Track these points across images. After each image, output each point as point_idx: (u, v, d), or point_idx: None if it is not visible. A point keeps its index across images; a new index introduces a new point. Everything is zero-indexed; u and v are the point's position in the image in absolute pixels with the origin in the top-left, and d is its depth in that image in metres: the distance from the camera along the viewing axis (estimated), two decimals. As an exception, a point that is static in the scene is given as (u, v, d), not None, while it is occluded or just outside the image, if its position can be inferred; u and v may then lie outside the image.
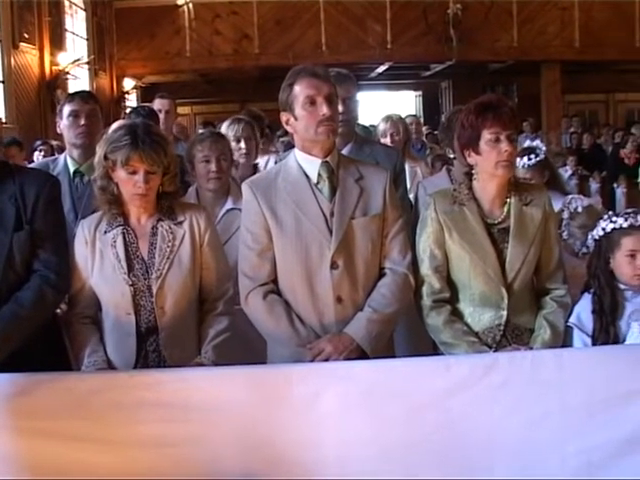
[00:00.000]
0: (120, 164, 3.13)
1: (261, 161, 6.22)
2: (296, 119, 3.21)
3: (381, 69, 17.66)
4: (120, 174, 3.16)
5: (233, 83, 18.19)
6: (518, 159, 4.38)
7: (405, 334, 3.59)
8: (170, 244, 3.24)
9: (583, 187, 12.46)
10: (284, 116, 3.24)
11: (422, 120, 15.53)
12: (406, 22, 15.33)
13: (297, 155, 3.29)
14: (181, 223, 3.29)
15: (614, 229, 3.38)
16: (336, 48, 15.24)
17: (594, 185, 12.39)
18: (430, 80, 20.57)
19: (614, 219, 3.39)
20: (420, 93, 22.39)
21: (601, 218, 3.57)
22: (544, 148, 4.61)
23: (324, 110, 3.14)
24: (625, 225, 3.36)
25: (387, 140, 5.77)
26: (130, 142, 3.13)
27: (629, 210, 3.48)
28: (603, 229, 3.42)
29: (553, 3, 16.09)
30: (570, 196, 4.17)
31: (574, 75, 18.03)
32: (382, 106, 19.76)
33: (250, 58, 15.37)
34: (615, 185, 11.69)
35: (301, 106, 3.17)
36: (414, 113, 16.22)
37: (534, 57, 16.18)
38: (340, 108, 3.70)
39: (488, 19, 15.42)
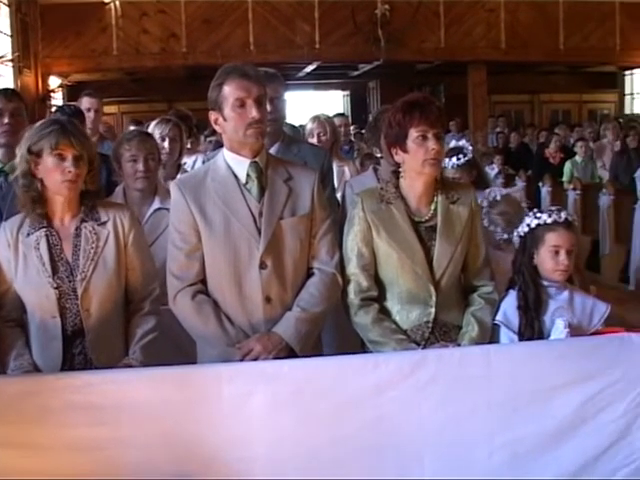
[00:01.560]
0: (49, 150, 3.08)
1: (188, 161, 6.21)
2: (225, 119, 3.20)
3: (309, 69, 17.65)
4: (47, 163, 3.11)
5: (160, 82, 18.01)
6: (447, 159, 4.44)
7: (333, 333, 3.61)
8: (94, 245, 3.20)
9: (509, 185, 12.63)
10: (213, 115, 3.23)
11: (350, 120, 15.60)
12: (334, 22, 15.34)
13: (226, 155, 3.29)
14: (105, 223, 3.25)
15: (538, 225, 3.45)
16: (264, 47, 15.17)
17: (520, 183, 12.55)
18: (358, 80, 20.64)
19: (538, 215, 3.46)
20: (348, 93, 22.45)
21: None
22: (471, 148, 4.66)
23: (253, 113, 3.14)
24: (549, 221, 3.43)
25: (314, 140, 5.78)
26: (58, 128, 3.12)
27: (553, 207, 3.55)
28: (528, 225, 3.48)
29: (480, 5, 16.26)
30: (489, 188, 4.24)
31: (500, 76, 18.29)
32: (310, 106, 19.82)
33: (178, 57, 15.20)
34: (540, 184, 11.88)
35: (230, 107, 3.17)
36: (342, 112, 16.24)
37: (461, 58, 16.33)
38: (268, 107, 3.70)
39: (416, 20, 15.51)
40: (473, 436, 2.96)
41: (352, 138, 10.10)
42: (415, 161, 3.29)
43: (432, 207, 3.39)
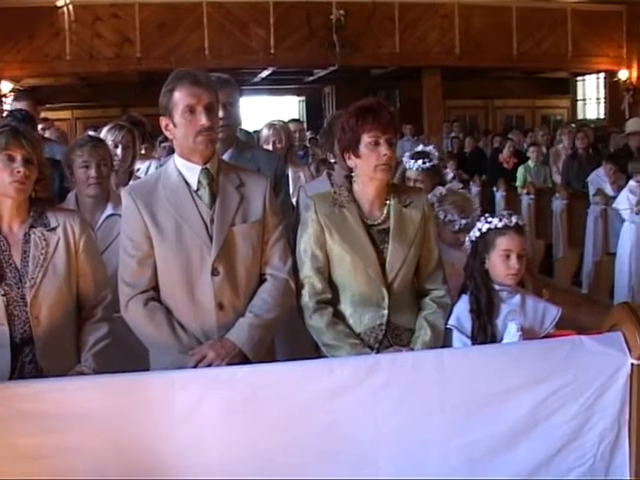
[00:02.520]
0: None
1: (142, 167, 6.17)
2: (175, 126, 3.19)
3: (264, 74, 17.63)
4: None
5: (115, 87, 17.89)
6: (412, 161, 4.47)
7: (286, 338, 3.61)
8: (44, 251, 3.16)
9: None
10: (164, 121, 3.22)
11: (305, 125, 15.61)
12: (289, 27, 15.35)
13: (177, 161, 3.27)
14: (54, 229, 3.21)
15: (489, 229, 3.48)
16: (219, 52, 15.13)
17: (474, 188, 12.67)
18: (313, 85, 20.68)
19: (489, 220, 3.49)
20: (303, 98, 22.48)
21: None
22: (437, 154, 4.70)
23: (203, 120, 3.13)
24: (500, 225, 3.45)
25: (270, 147, 5.77)
26: (9, 130, 3.10)
27: (504, 211, 3.58)
28: (479, 229, 3.51)
29: (434, 10, 16.39)
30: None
31: (455, 81, 18.45)
32: (266, 111, 19.81)
33: (132, 62, 15.10)
34: (494, 188, 11.99)
35: (180, 114, 3.15)
36: (298, 118, 16.26)
37: (416, 63, 16.45)
38: (220, 113, 3.69)
39: (371, 25, 15.58)
40: (427, 440, 2.97)
41: (307, 144, 10.11)
42: (367, 166, 3.30)
43: (385, 210, 3.41)
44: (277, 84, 20.50)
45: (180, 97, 3.15)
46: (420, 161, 4.51)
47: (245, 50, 15.36)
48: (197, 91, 3.15)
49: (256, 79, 18.57)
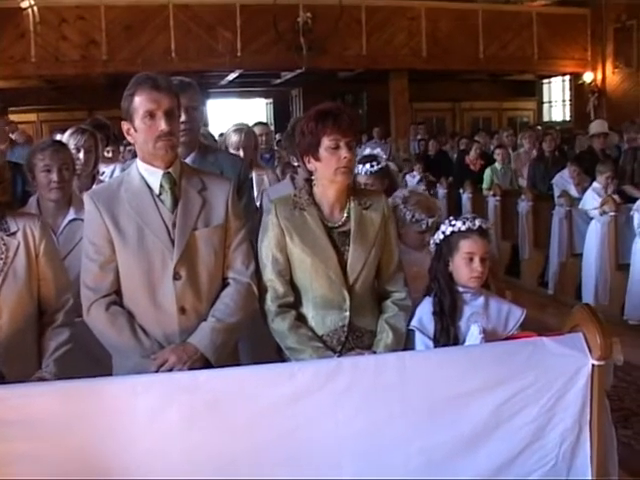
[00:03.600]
0: None
1: (107, 170, 6.14)
2: (136, 130, 3.18)
3: (232, 77, 17.65)
4: None
5: (81, 90, 17.79)
6: (360, 165, 4.47)
7: (250, 342, 3.60)
8: (3, 256, 3.13)
9: (431, 192, 12.80)
10: (125, 125, 3.21)
11: (273, 127, 15.61)
12: (256, 30, 15.37)
13: (139, 165, 3.26)
14: (14, 234, 3.18)
15: (453, 232, 3.49)
16: (185, 55, 15.12)
17: (441, 190, 12.74)
18: (281, 88, 20.72)
19: (453, 223, 3.50)
20: (271, 101, 22.50)
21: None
22: (385, 156, 4.71)
23: (163, 126, 3.12)
24: (463, 228, 3.47)
25: (239, 152, 5.73)
26: None
27: (468, 215, 3.60)
28: (443, 232, 3.52)
29: (401, 13, 16.49)
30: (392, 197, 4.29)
31: (422, 83, 18.54)
32: (234, 113, 19.79)
33: (98, 64, 15.04)
34: (461, 190, 12.04)
35: (140, 119, 3.14)
36: (265, 121, 16.23)
37: (383, 65, 16.53)
38: (183, 117, 3.68)
39: (338, 28, 15.63)
40: (390, 443, 2.97)
41: (275, 146, 10.09)
42: (327, 169, 3.32)
43: (345, 213, 3.42)
44: (244, 87, 20.52)
45: (140, 102, 3.14)
46: (368, 165, 4.51)
47: (212, 53, 15.36)
48: (157, 96, 3.14)
49: (223, 82, 18.58)
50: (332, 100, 19.65)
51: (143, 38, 15.03)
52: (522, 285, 10.46)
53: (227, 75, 17.62)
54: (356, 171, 4.47)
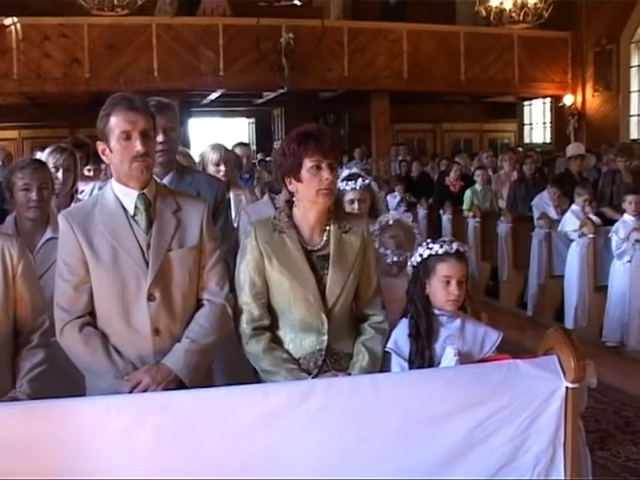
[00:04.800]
0: None
1: (86, 189, 6.13)
2: (111, 151, 3.18)
3: (214, 96, 17.66)
4: None
5: (63, 107, 17.75)
6: (351, 182, 4.48)
7: (225, 363, 3.60)
8: None
9: (411, 213, 12.80)
10: (100, 145, 3.21)
11: (255, 147, 15.64)
12: (239, 50, 15.41)
13: (114, 186, 3.26)
14: None
15: (430, 255, 3.49)
16: (168, 74, 15.12)
17: (422, 211, 12.78)
18: (263, 108, 20.75)
19: (430, 246, 3.51)
20: (253, 120, 22.54)
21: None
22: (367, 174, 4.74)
23: (138, 147, 3.12)
24: (440, 252, 3.47)
25: (218, 169, 5.74)
26: None
27: (446, 238, 3.61)
28: (420, 255, 3.53)
29: (383, 35, 16.57)
30: (384, 214, 4.29)
31: (403, 105, 18.62)
32: (216, 133, 19.82)
33: (80, 82, 15.00)
34: (441, 211, 12.08)
35: (116, 139, 3.14)
36: (246, 141, 16.24)
37: (364, 86, 16.59)
38: (160, 137, 3.68)
39: (319, 49, 15.69)
40: (363, 465, 2.96)
41: (257, 166, 10.10)
42: (309, 191, 3.33)
43: (325, 236, 3.43)
44: (227, 106, 20.57)
45: (116, 122, 3.14)
46: (360, 180, 4.53)
47: (194, 72, 15.38)
48: (133, 117, 3.14)
49: (205, 101, 18.59)
50: (314, 120, 19.82)
51: (126, 57, 15.02)
52: (501, 306, 10.49)
53: (209, 94, 17.64)
54: (348, 188, 4.49)
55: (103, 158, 3.25)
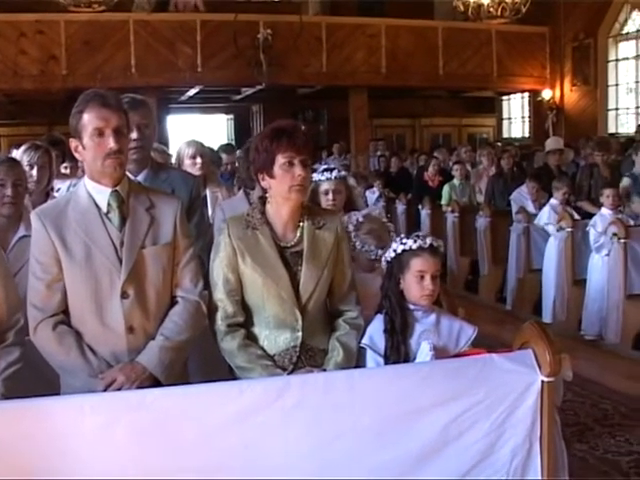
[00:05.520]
0: None
1: (63, 186, 6.08)
2: (84, 148, 3.16)
3: (192, 92, 17.60)
4: None
5: (40, 105, 17.65)
6: (327, 173, 4.49)
7: (200, 360, 3.59)
8: None
9: (390, 208, 12.87)
10: (73, 143, 3.19)
11: (234, 143, 15.59)
12: (216, 45, 15.34)
13: (87, 184, 3.24)
14: None
15: (404, 251, 3.50)
16: (145, 70, 15.03)
17: (400, 206, 12.79)
18: (241, 104, 20.71)
19: (404, 241, 3.51)
20: (232, 116, 22.48)
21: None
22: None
23: (111, 144, 3.11)
24: (414, 247, 3.48)
25: (193, 162, 5.73)
26: None
27: (419, 233, 3.61)
28: (394, 251, 3.53)
29: (361, 30, 16.54)
30: (348, 215, 4.28)
31: (381, 100, 18.63)
32: (194, 129, 19.77)
33: (57, 79, 14.87)
34: (420, 206, 12.10)
35: (89, 136, 3.13)
36: (228, 141, 16.22)
37: (342, 82, 16.55)
38: (135, 134, 3.66)
39: (298, 44, 15.66)
40: (339, 461, 2.96)
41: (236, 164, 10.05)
42: (282, 187, 3.32)
43: (298, 232, 3.43)
44: (205, 102, 20.50)
45: (89, 119, 3.12)
46: (335, 171, 4.54)
47: (172, 68, 15.29)
48: (106, 114, 3.12)
49: (184, 97, 18.53)
50: (292, 116, 19.80)
51: (103, 53, 14.91)
52: (480, 300, 10.54)
53: (187, 91, 17.58)
54: (324, 178, 4.50)
55: (76, 155, 3.23)
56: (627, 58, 17.18)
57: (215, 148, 7.80)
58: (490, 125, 22.91)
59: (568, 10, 17.69)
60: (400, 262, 3.51)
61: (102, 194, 3.21)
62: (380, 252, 3.94)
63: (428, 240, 3.50)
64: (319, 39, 16.13)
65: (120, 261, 3.16)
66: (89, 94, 3.18)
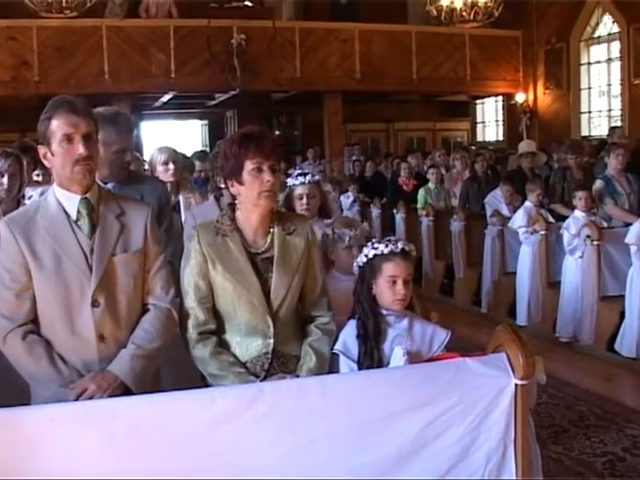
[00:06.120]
0: None
1: (34, 193, 6.03)
2: (53, 155, 3.13)
3: (166, 98, 17.55)
4: None
5: (12, 111, 17.46)
6: (301, 177, 4.51)
7: (172, 368, 3.57)
8: None
9: (365, 213, 12.88)
10: (42, 149, 3.15)
11: (208, 149, 15.55)
12: (190, 51, 15.33)
13: (56, 191, 3.21)
14: None
15: (376, 255, 3.49)
16: (119, 76, 14.99)
17: (375, 211, 12.80)
18: (216, 109, 20.66)
19: (376, 246, 3.50)
20: (206, 122, 22.42)
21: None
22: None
23: (81, 150, 3.08)
24: (386, 251, 3.47)
25: (166, 168, 5.71)
26: None
27: (390, 237, 3.60)
28: (366, 255, 3.52)
29: (334, 35, 16.59)
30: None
31: (356, 105, 18.66)
32: (169, 135, 19.71)
33: (29, 86, 14.80)
34: (395, 211, 12.11)
35: (58, 143, 3.09)
36: (203, 147, 16.15)
37: (316, 87, 16.60)
38: (116, 147, 3.64)
39: (271, 49, 15.68)
40: (314, 467, 2.95)
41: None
42: (251, 193, 3.30)
43: (268, 238, 3.41)
44: (180, 108, 20.44)
45: (57, 125, 3.09)
46: (309, 175, 4.55)
47: (145, 74, 15.27)
48: (75, 120, 3.09)
49: (158, 103, 18.46)
50: (267, 121, 19.77)
51: (76, 59, 14.86)
52: (456, 304, 10.57)
53: (161, 97, 17.52)
54: (298, 182, 4.52)
55: (45, 162, 3.19)
56: (599, 61, 17.31)
57: (189, 154, 7.77)
58: (464, 129, 23.01)
59: (540, 14, 17.83)
60: (372, 267, 3.50)
61: (71, 201, 3.17)
62: (352, 233, 3.97)
63: (400, 244, 3.49)
64: (293, 44, 16.16)
65: (90, 269, 3.12)
66: (57, 100, 3.15)
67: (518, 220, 9.06)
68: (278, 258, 3.37)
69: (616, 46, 16.51)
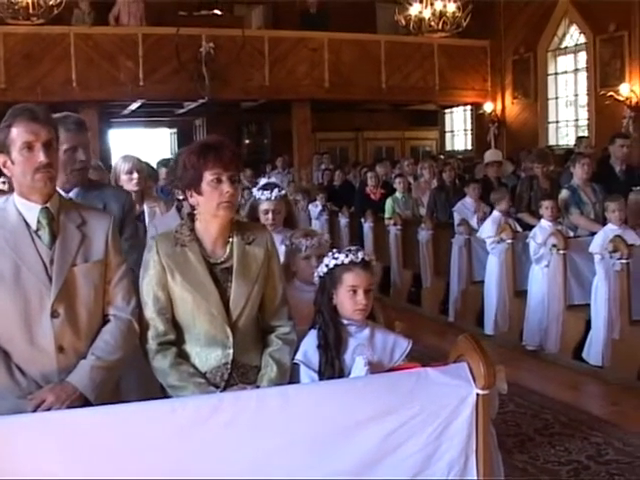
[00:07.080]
0: None
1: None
2: (13, 163, 3.10)
3: (134, 106, 17.47)
4: None
5: (-21, 119, 17.39)
6: (267, 192, 4.51)
7: (133, 379, 3.55)
8: None
9: (333, 222, 12.89)
10: (1, 158, 3.13)
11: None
12: (158, 59, 15.29)
13: (16, 200, 3.18)
14: None
15: (336, 265, 3.49)
16: (87, 84, 14.91)
17: (343, 220, 12.81)
18: (185, 118, 20.62)
19: (336, 256, 3.50)
20: (175, 130, 22.34)
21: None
22: (284, 186, 4.77)
23: (41, 157, 3.05)
24: (346, 261, 3.47)
25: (130, 177, 5.68)
26: None
27: (351, 247, 3.60)
28: (326, 265, 3.52)
29: (303, 44, 16.62)
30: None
31: (325, 113, 18.69)
32: (137, 143, 19.63)
33: (-4, 93, 14.72)
34: (362, 220, 12.13)
35: (18, 151, 3.07)
36: (171, 156, 16.07)
37: (285, 96, 16.61)
38: (83, 156, 3.62)
39: (240, 58, 15.67)
40: (275, 477, 2.94)
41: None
42: (210, 204, 3.29)
43: (227, 248, 3.40)
44: (148, 116, 20.37)
45: (18, 133, 3.07)
46: (276, 190, 4.55)
47: (114, 82, 15.20)
48: (35, 127, 3.07)
49: (126, 111, 18.38)
50: (236, 130, 19.72)
51: (43, 67, 14.76)
52: (423, 313, 10.60)
53: (130, 105, 17.44)
54: (263, 197, 4.52)
55: (4, 171, 3.17)
56: (566, 72, 17.47)
57: (154, 163, 7.75)
58: (433, 138, 23.09)
59: (508, 24, 17.97)
60: (332, 277, 3.49)
61: (32, 211, 3.15)
62: (309, 242, 3.99)
63: (360, 254, 3.49)
64: (262, 53, 16.17)
65: (50, 279, 3.09)
66: (17, 108, 3.13)
67: (487, 230, 9.10)
68: (237, 268, 3.37)
69: (583, 57, 16.69)
